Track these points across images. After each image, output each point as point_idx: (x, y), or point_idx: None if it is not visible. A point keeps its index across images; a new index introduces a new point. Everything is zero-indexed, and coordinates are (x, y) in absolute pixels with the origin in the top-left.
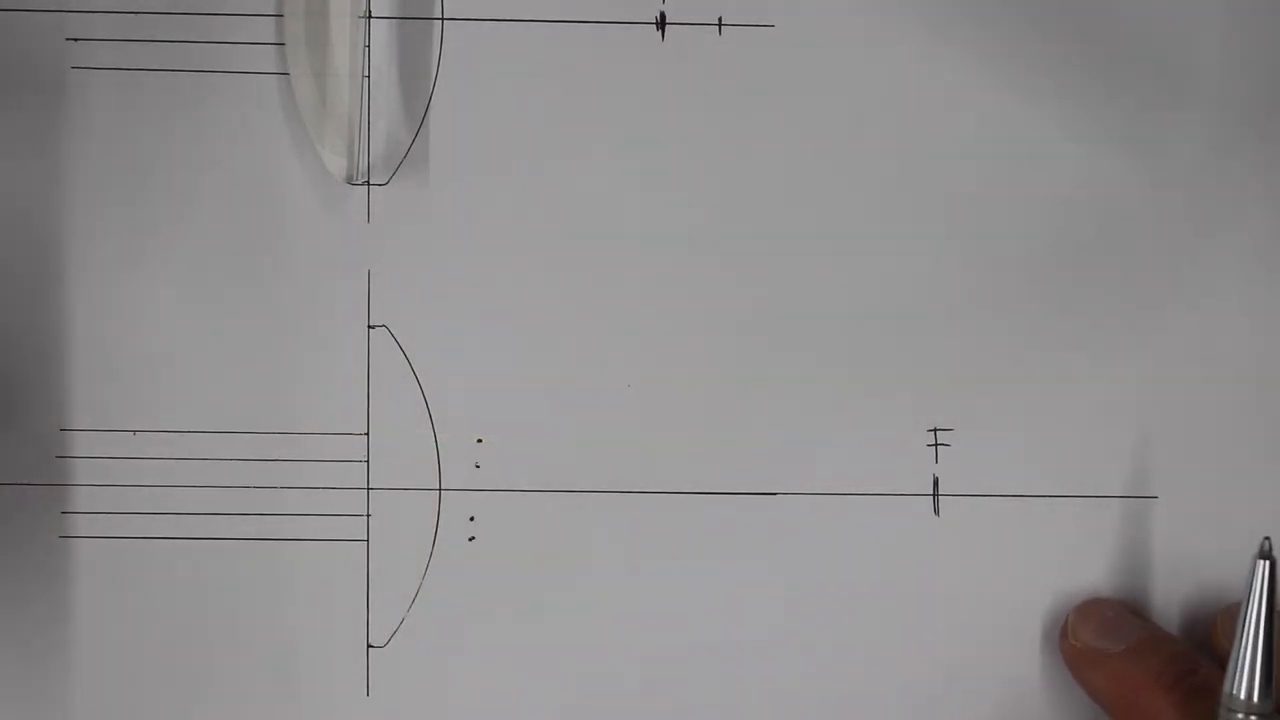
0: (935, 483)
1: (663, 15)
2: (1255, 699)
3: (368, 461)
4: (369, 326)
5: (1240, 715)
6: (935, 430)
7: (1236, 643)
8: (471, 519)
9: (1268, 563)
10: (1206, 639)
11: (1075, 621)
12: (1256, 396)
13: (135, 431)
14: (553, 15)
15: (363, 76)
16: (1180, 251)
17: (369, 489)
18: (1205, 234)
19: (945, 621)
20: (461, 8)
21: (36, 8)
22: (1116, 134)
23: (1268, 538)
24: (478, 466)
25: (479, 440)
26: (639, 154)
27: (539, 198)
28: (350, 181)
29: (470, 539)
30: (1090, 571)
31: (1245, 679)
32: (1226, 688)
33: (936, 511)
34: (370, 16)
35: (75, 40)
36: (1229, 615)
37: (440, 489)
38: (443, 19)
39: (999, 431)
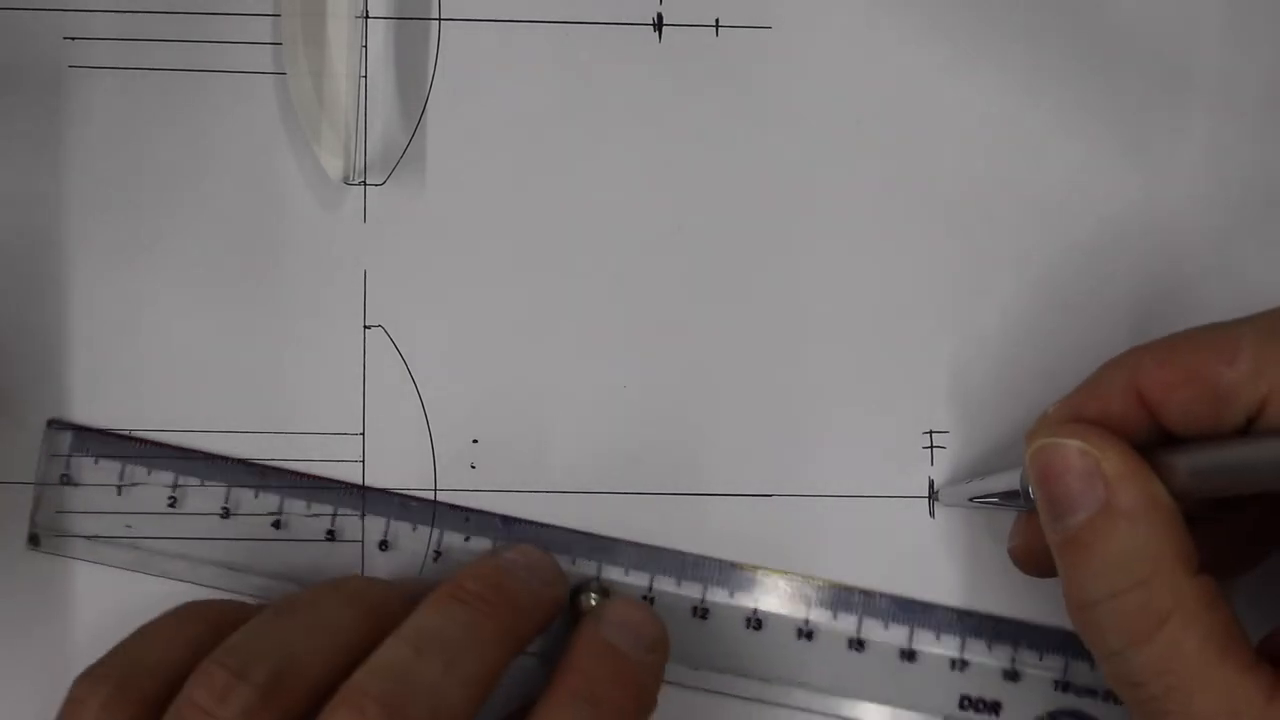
0: (931, 485)
1: (660, 16)
2: None
3: (363, 461)
4: (365, 327)
5: None
6: (931, 433)
7: None
8: (467, 519)
9: None
10: None
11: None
12: None
13: (131, 431)
14: (550, 16)
15: (360, 77)
16: (1179, 252)
17: (364, 489)
18: (1205, 234)
19: None
20: (459, 8)
21: (34, 6)
22: (1116, 134)
23: None
24: (473, 467)
25: (474, 441)
26: (636, 155)
27: (536, 198)
28: (347, 181)
29: (466, 539)
30: None
31: None
32: None
33: (932, 514)
34: (367, 17)
35: (73, 39)
36: None
37: (436, 489)
38: (440, 19)
39: (994, 434)
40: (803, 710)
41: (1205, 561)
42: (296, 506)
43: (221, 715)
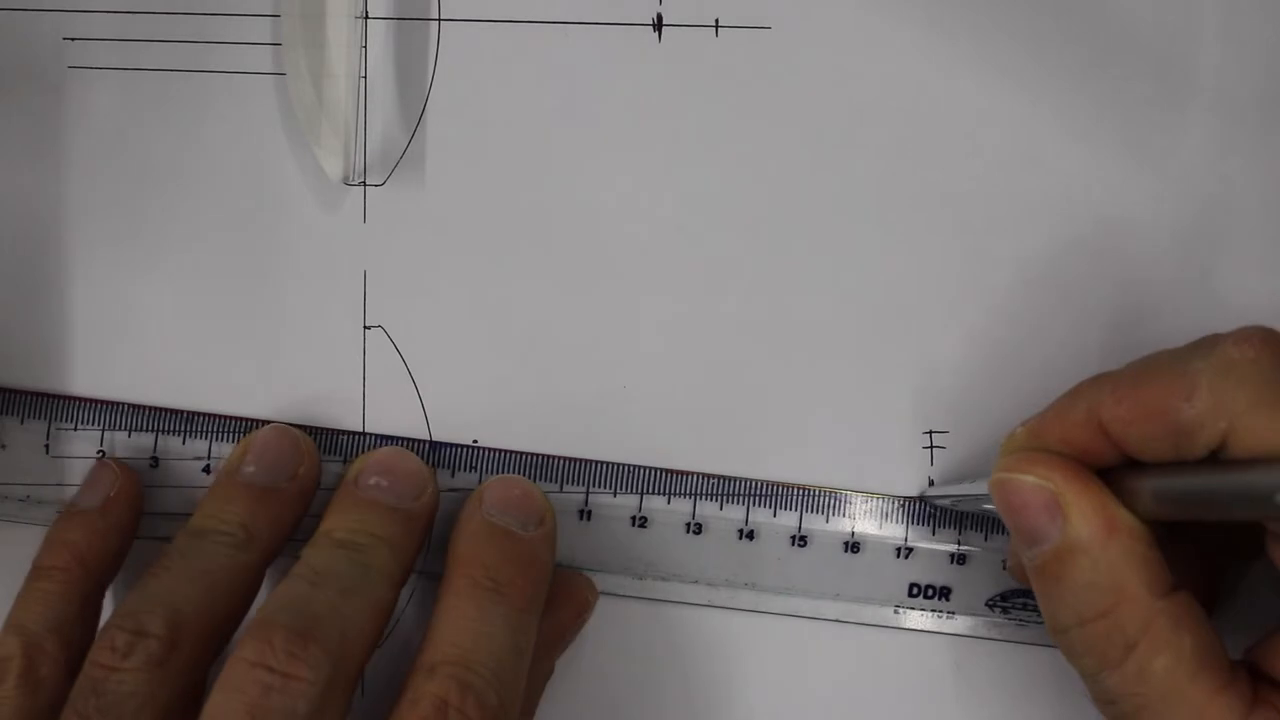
0: (930, 485)
1: (660, 17)
2: None
3: None
4: (365, 327)
5: None
6: (931, 433)
7: None
8: None
9: None
10: None
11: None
12: None
13: (130, 432)
14: (549, 16)
15: (359, 77)
16: (1180, 252)
17: None
18: (1205, 234)
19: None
20: (458, 9)
21: (35, 7)
22: (1116, 134)
23: None
24: (473, 469)
25: (474, 441)
26: (636, 155)
27: (535, 199)
28: (346, 182)
29: None
30: None
31: None
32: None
33: (925, 512)
34: (367, 17)
35: (73, 40)
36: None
37: (435, 488)
38: (439, 20)
39: (994, 434)
40: (752, 612)
41: (1181, 579)
42: None
43: (128, 666)
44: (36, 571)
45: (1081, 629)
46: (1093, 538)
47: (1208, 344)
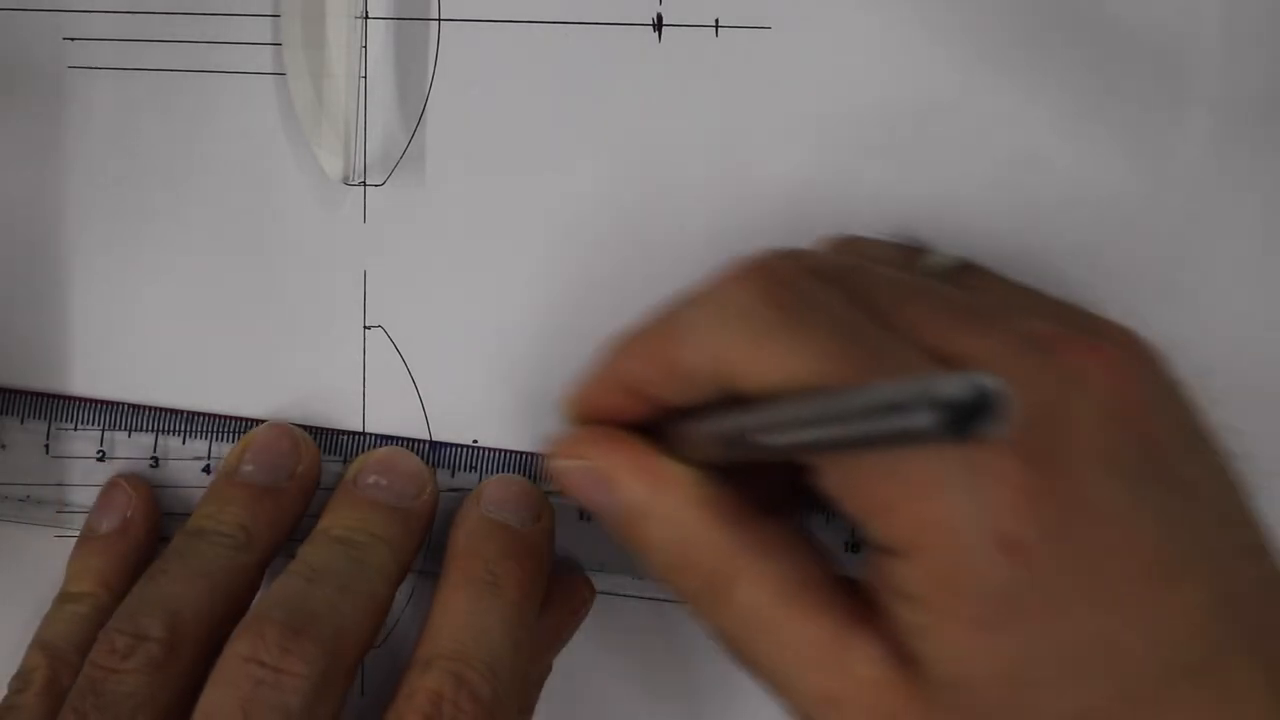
0: None
1: (659, 17)
2: None
3: None
4: (365, 327)
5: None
6: None
7: None
8: None
9: None
10: None
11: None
12: (1254, 399)
13: (130, 432)
14: (549, 16)
15: (359, 77)
16: (1180, 252)
17: None
18: (1205, 234)
19: None
20: (459, 8)
21: (34, 7)
22: (1116, 134)
23: None
24: (473, 468)
25: (474, 441)
26: (635, 156)
27: (535, 199)
28: (346, 182)
29: None
30: None
31: None
32: None
33: None
34: (367, 17)
35: (73, 40)
36: None
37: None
38: (439, 20)
39: None
40: None
41: (769, 503)
42: None
43: (128, 668)
44: (64, 597)
45: (670, 580)
46: (645, 498)
47: (703, 283)
